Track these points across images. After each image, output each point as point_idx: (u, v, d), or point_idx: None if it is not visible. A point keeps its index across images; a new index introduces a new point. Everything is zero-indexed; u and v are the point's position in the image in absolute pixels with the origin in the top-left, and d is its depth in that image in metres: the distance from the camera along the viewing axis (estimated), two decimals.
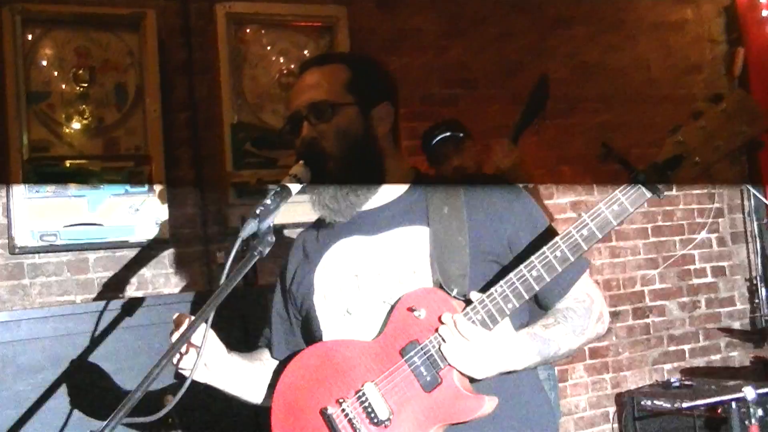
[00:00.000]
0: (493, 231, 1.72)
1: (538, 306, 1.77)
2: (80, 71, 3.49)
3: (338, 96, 1.77)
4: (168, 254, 3.62)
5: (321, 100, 1.76)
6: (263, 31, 3.73)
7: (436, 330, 1.59)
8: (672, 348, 4.66)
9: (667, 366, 4.62)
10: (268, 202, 1.61)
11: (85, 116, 3.49)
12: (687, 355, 4.70)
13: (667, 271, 4.72)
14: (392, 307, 1.67)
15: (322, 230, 1.87)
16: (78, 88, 3.48)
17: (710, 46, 5.00)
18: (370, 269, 1.74)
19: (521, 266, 1.57)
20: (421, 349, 1.61)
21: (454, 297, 1.63)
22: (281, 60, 3.75)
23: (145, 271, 3.57)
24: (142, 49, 3.55)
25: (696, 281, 4.80)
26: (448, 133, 3.36)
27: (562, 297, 1.73)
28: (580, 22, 4.61)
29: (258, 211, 1.59)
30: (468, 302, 1.60)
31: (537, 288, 1.57)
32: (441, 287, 1.65)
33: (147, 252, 3.55)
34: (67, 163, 3.42)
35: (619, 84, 4.64)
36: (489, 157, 3.22)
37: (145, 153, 3.53)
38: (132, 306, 3.34)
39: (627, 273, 4.61)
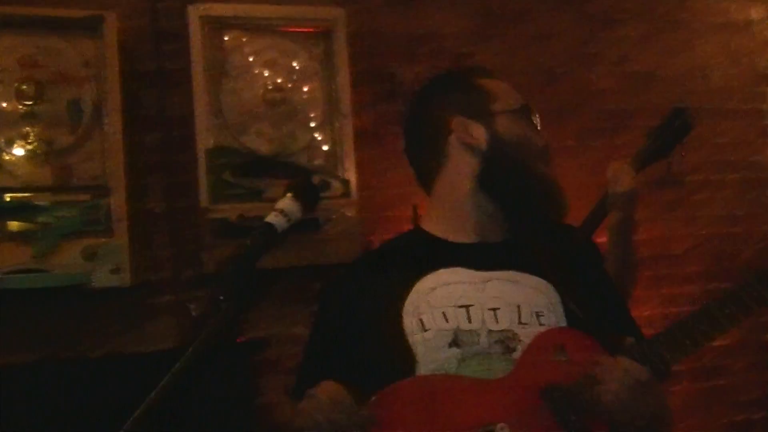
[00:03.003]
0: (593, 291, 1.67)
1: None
2: (24, 86, 3.10)
3: None
4: (131, 305, 3.25)
5: None
6: (245, 39, 3.30)
7: (584, 373, 1.46)
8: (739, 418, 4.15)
9: None
10: (249, 243, 1.41)
11: (30, 140, 3.10)
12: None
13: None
14: (528, 346, 1.53)
15: (389, 270, 1.68)
16: (21, 107, 3.09)
17: None
18: (483, 303, 1.58)
19: (689, 317, 1.51)
20: (568, 392, 1.47)
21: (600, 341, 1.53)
22: (266, 72, 3.32)
23: (104, 327, 3.19)
24: (101, 59, 3.15)
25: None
26: None
27: None
28: (629, 22, 4.15)
29: (238, 254, 1.40)
30: (621, 346, 1.52)
31: (703, 344, 1.50)
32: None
33: (105, 303, 3.19)
34: (8, 197, 3.06)
35: (675, 95, 4.11)
36: (603, 176, 2.70)
37: (104, 183, 3.16)
38: (89, 367, 3.07)
39: None
